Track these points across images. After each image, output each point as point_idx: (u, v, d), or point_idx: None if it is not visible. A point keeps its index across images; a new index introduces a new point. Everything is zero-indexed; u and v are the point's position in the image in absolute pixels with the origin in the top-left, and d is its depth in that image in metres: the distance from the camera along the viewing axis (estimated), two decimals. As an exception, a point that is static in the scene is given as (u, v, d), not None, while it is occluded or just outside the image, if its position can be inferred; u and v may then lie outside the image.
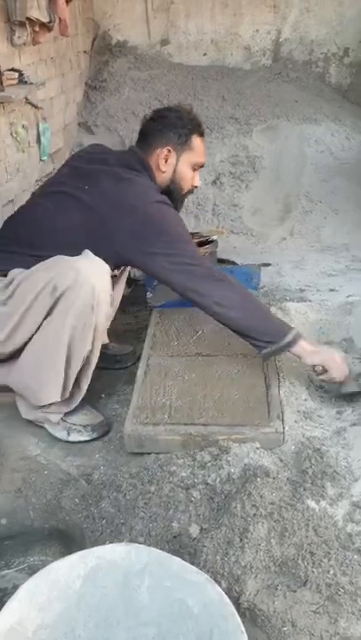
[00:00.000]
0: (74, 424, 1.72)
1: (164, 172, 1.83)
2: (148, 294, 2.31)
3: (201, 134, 1.87)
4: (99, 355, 1.70)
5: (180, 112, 1.86)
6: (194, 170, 1.88)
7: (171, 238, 1.67)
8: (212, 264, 1.87)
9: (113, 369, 2.05)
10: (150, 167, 1.82)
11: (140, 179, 1.77)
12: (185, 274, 1.66)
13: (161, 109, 1.94)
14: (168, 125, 1.82)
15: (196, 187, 1.92)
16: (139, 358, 1.94)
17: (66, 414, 1.73)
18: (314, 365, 1.70)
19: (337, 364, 1.68)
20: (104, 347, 2.05)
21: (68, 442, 1.72)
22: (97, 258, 1.61)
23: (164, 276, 1.69)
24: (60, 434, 1.73)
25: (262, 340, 1.67)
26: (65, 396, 1.67)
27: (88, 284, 1.54)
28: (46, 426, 1.75)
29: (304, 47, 3.90)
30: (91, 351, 1.64)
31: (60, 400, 1.67)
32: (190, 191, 1.93)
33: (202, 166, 1.91)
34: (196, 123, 1.86)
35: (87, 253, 1.62)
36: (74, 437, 1.71)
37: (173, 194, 1.85)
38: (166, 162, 1.82)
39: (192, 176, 1.88)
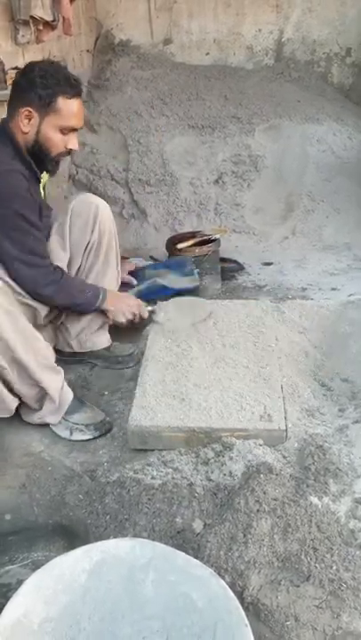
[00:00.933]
0: (76, 423, 1.73)
1: (25, 133, 1.71)
2: None
3: (72, 96, 1.71)
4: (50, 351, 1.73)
5: (46, 71, 1.68)
6: (63, 133, 1.73)
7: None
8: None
9: (115, 369, 2.07)
10: (11, 130, 1.72)
11: None
12: None
13: (29, 66, 1.75)
14: (32, 84, 1.67)
15: (71, 149, 1.77)
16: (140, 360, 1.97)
17: (67, 414, 1.74)
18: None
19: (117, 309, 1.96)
20: (107, 350, 2.08)
21: (71, 440, 1.73)
22: None
23: None
24: (64, 433, 1.74)
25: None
26: (32, 405, 1.72)
27: None
28: (50, 425, 1.76)
29: (306, 47, 3.91)
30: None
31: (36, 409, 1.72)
32: (65, 153, 1.79)
33: (75, 129, 1.76)
34: (65, 82, 1.69)
35: None
36: (76, 436, 1.72)
37: (40, 155, 1.75)
38: (29, 122, 1.69)
39: (62, 139, 1.74)
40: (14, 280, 1.72)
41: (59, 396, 1.71)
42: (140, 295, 2.20)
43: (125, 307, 1.98)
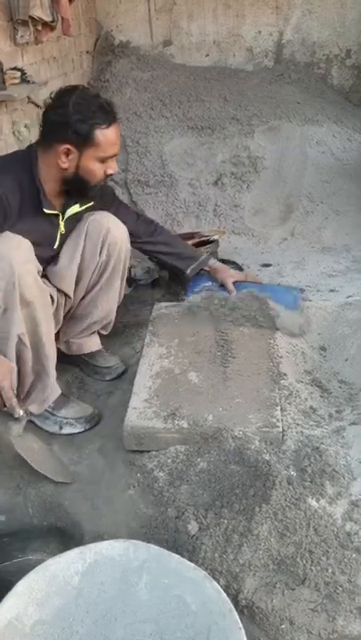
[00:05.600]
0: (65, 417, 1.75)
1: (65, 170, 1.66)
2: (187, 298, 2.25)
3: (108, 125, 1.65)
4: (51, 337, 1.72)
5: (80, 104, 1.62)
6: (103, 162, 1.69)
7: None
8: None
9: (94, 378, 2.05)
10: (35, 164, 1.67)
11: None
12: None
13: (60, 97, 1.66)
14: (67, 119, 1.60)
15: (111, 174, 1.73)
16: (125, 371, 2.01)
17: (54, 409, 1.75)
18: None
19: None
20: (91, 357, 2.05)
21: (61, 435, 1.75)
22: (13, 234, 1.58)
23: None
24: (52, 428, 1.75)
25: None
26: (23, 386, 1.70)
27: (4, 261, 1.53)
28: (36, 422, 1.76)
29: (306, 49, 3.91)
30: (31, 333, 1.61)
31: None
32: (106, 179, 1.75)
33: (114, 156, 1.71)
34: (101, 114, 1.64)
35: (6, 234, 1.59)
36: (67, 430, 1.74)
37: (80, 188, 1.72)
38: (67, 157, 1.64)
39: (101, 167, 1.69)
40: None
41: (50, 387, 1.74)
42: None
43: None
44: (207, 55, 3.98)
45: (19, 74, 2.50)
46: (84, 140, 1.63)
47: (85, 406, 1.81)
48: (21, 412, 1.54)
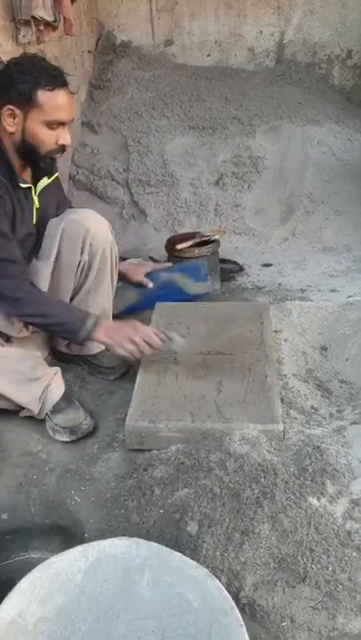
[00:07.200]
0: (56, 424, 1.72)
1: (12, 133, 1.63)
2: None
3: (53, 87, 1.60)
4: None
5: (22, 65, 1.60)
6: (51, 128, 1.63)
7: None
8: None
9: (97, 377, 2.03)
10: None
11: None
12: None
13: (9, 61, 1.67)
14: (8, 82, 1.58)
15: (64, 145, 1.67)
16: (127, 370, 1.98)
17: (52, 413, 1.73)
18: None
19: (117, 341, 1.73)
20: (94, 357, 2.03)
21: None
22: None
23: None
24: (49, 431, 1.75)
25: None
26: None
27: None
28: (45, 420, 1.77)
29: (307, 49, 3.91)
30: None
31: None
32: (57, 150, 1.69)
33: (63, 123, 1.65)
34: (44, 74, 1.59)
35: None
36: (58, 437, 1.72)
37: (31, 155, 1.67)
38: (13, 120, 1.61)
39: (50, 134, 1.64)
40: None
41: (39, 404, 1.72)
42: (155, 298, 2.19)
43: (123, 338, 1.73)
44: (208, 55, 3.98)
45: (21, 74, 2.51)
46: (26, 101, 1.59)
47: (78, 414, 1.75)
48: (173, 334, 1.78)
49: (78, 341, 1.79)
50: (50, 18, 2.57)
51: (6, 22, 2.46)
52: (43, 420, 1.77)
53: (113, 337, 1.73)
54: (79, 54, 3.56)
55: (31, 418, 1.77)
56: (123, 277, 2.15)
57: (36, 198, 1.78)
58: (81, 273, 1.90)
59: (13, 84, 1.58)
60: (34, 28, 2.56)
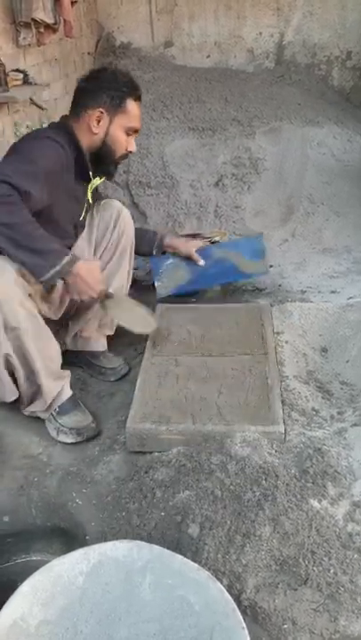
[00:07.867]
0: (62, 425, 1.73)
1: (95, 134, 1.78)
2: (157, 283, 2.28)
3: (137, 98, 1.81)
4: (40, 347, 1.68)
5: (115, 74, 1.81)
6: (128, 134, 1.82)
7: (14, 157, 1.63)
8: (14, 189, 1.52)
9: (97, 379, 2.05)
10: (72, 129, 1.76)
11: (45, 132, 1.78)
12: None
13: (95, 70, 1.88)
14: (101, 87, 1.76)
15: (130, 152, 1.85)
16: (128, 372, 2.01)
17: (58, 414, 1.74)
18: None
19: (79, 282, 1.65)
20: (95, 358, 2.05)
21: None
22: None
23: None
24: (52, 432, 1.75)
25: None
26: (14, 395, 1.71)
27: None
28: (45, 421, 1.77)
29: (307, 50, 3.92)
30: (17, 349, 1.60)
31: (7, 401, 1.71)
32: (124, 156, 1.87)
33: (136, 131, 1.85)
34: (132, 85, 1.80)
35: None
36: (62, 438, 1.73)
37: (105, 157, 1.82)
38: (98, 123, 1.76)
39: (125, 140, 1.82)
40: None
41: (51, 400, 1.73)
42: (207, 277, 2.18)
43: (85, 287, 1.67)
44: (208, 56, 3.99)
45: (21, 75, 2.52)
46: (117, 106, 1.76)
47: (85, 416, 1.76)
48: (109, 290, 1.80)
49: (42, 274, 1.59)
50: (50, 20, 2.58)
51: (6, 25, 2.47)
52: (43, 423, 1.77)
53: (77, 282, 1.65)
54: (79, 56, 3.56)
55: (30, 420, 1.77)
56: (173, 251, 2.26)
57: (89, 194, 1.90)
58: (104, 252, 1.99)
59: (106, 90, 1.75)
60: (34, 30, 2.57)
